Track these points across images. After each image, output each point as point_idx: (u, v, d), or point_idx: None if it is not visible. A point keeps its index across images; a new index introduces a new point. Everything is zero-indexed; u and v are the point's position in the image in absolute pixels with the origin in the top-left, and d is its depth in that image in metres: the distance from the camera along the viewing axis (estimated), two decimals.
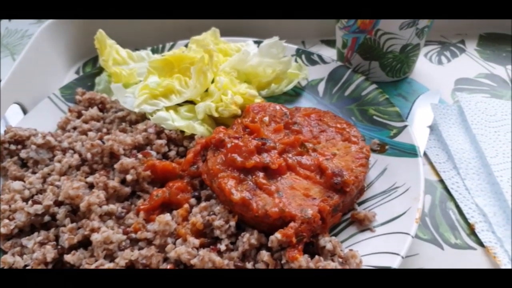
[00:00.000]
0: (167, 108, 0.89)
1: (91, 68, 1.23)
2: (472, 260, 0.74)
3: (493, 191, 0.83)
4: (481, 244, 0.76)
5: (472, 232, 0.78)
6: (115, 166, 0.78)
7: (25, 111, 0.98)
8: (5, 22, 1.46)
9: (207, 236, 0.71)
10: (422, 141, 0.93)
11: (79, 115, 0.95)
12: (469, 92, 1.09)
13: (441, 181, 0.88)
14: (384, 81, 1.12)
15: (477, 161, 0.89)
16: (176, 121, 0.86)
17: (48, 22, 1.16)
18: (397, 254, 0.66)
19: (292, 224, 0.67)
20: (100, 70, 1.07)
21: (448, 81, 1.14)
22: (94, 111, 0.92)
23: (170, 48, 1.12)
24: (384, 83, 1.11)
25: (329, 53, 1.09)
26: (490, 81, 1.13)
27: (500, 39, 1.29)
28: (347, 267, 0.67)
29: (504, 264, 0.72)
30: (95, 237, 0.68)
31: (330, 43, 1.30)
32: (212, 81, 0.93)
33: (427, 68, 1.19)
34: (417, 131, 0.95)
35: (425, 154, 0.93)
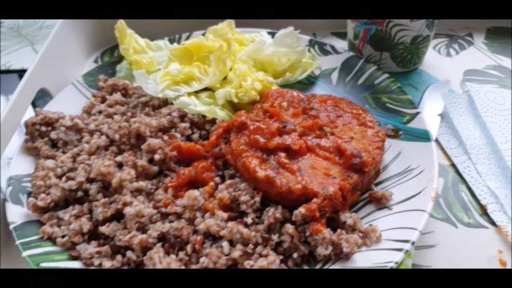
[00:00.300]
0: (188, 94, 0.93)
1: (109, 57, 1.26)
2: (484, 237, 0.78)
3: (504, 175, 0.86)
4: (493, 223, 0.80)
5: (484, 212, 0.82)
6: (142, 146, 0.82)
7: (50, 97, 1.01)
8: None
9: (233, 210, 0.74)
10: (433, 128, 0.96)
11: (103, 100, 0.98)
12: (478, 82, 1.12)
13: (453, 165, 0.91)
14: (394, 71, 1.15)
15: (487, 147, 0.92)
16: (197, 106, 0.90)
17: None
18: (415, 229, 0.70)
19: (315, 199, 0.70)
20: (120, 59, 1.11)
21: (456, 72, 1.18)
22: (118, 96, 0.96)
23: (187, 38, 1.15)
24: (395, 74, 1.14)
25: (340, 45, 1.12)
26: (498, 72, 1.17)
27: (507, 32, 1.32)
28: (367, 241, 0.71)
29: None
30: (128, 211, 0.72)
31: (341, 35, 1.33)
32: (230, 69, 0.96)
33: (436, 59, 1.23)
34: (428, 119, 0.99)
35: (436, 140, 0.96)
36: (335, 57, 1.10)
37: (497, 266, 0.73)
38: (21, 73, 1.26)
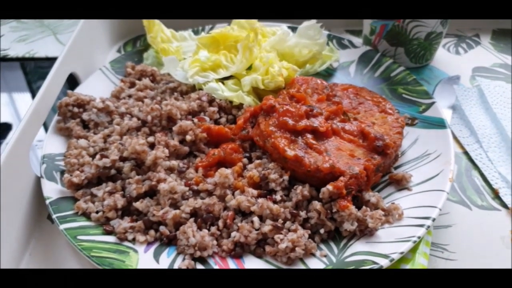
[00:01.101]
0: (216, 81, 0.97)
1: (131, 47, 1.30)
2: (497, 219, 0.82)
3: None
4: (505, 206, 0.84)
5: (496, 196, 0.86)
6: (174, 128, 0.86)
7: (78, 82, 1.05)
8: None
9: (262, 188, 0.78)
10: (447, 119, 1.01)
11: (132, 85, 1.02)
12: (486, 78, 1.17)
13: (466, 153, 0.96)
14: (407, 67, 1.19)
15: (498, 136, 0.97)
16: (225, 92, 0.94)
17: None
18: (435, 207, 0.74)
19: (342, 178, 0.74)
20: (145, 48, 1.15)
21: (466, 68, 1.22)
22: (147, 81, 0.99)
23: (210, 30, 1.19)
24: (408, 69, 1.19)
25: (355, 41, 1.17)
26: (505, 70, 1.22)
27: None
28: (390, 218, 0.75)
29: None
30: (163, 187, 0.75)
31: (355, 32, 1.38)
32: (255, 58, 1.00)
33: (446, 57, 1.28)
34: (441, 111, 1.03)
35: (450, 130, 1.01)
36: (352, 51, 1.14)
37: (509, 245, 0.78)
38: (45, 60, 1.29)
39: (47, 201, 0.76)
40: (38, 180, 0.82)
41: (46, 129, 0.93)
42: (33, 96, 1.16)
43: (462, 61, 1.27)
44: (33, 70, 1.29)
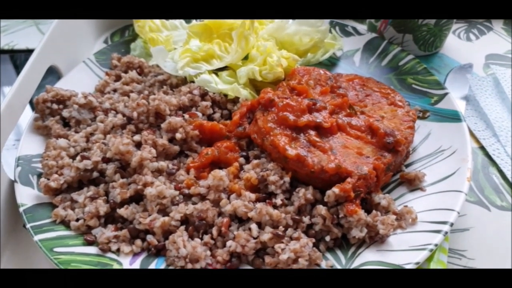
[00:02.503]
0: (209, 72, 0.89)
1: (119, 37, 1.21)
2: None
3: None
4: None
5: None
6: (162, 125, 0.78)
7: (60, 76, 0.97)
8: None
9: (260, 192, 0.71)
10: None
11: (117, 79, 0.94)
12: (501, 66, 1.09)
13: (482, 148, 0.88)
14: (416, 55, 1.11)
15: None
16: (219, 84, 0.86)
17: None
18: (452, 210, 0.67)
19: (349, 179, 0.67)
20: (133, 38, 1.06)
21: (478, 56, 1.14)
22: (133, 74, 0.91)
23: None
24: (417, 57, 1.11)
25: (359, 28, 1.09)
26: None
27: None
28: (403, 223, 0.68)
29: None
30: (149, 191, 0.68)
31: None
32: (252, 47, 0.92)
33: (456, 44, 1.19)
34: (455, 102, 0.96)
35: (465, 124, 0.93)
36: (357, 38, 1.06)
37: None
38: (26, 53, 1.20)
39: (21, 209, 0.68)
40: (11, 185, 0.74)
41: None
42: None
43: (474, 48, 1.19)
44: (23, 63, 1.19)
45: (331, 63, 1.03)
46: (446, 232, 0.64)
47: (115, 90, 0.90)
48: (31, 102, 0.85)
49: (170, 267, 0.64)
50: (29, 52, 1.19)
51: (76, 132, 0.82)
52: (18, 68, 1.21)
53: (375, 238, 0.66)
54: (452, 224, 0.65)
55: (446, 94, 0.88)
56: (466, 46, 1.19)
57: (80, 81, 0.94)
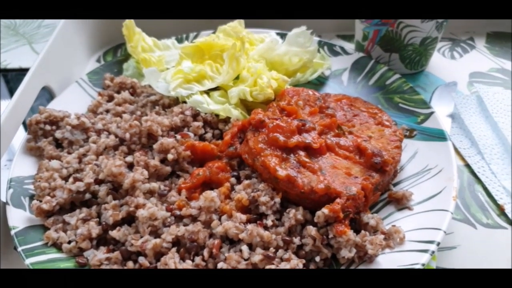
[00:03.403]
0: (200, 93, 0.90)
1: (111, 57, 1.23)
2: (504, 238, 0.77)
3: None
4: (511, 223, 0.79)
5: (502, 212, 0.81)
6: (154, 146, 0.79)
7: (53, 96, 0.97)
8: None
9: (251, 212, 0.72)
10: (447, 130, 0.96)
11: (110, 99, 0.95)
12: (484, 84, 1.13)
13: (467, 165, 0.91)
14: (402, 73, 1.14)
15: (500, 147, 0.92)
16: (211, 105, 0.87)
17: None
18: (439, 229, 0.68)
19: (338, 200, 0.68)
20: (125, 58, 1.08)
21: (462, 74, 1.18)
22: (126, 94, 0.93)
23: (194, 38, 1.13)
24: (403, 75, 1.13)
25: (347, 47, 1.12)
26: (502, 75, 1.17)
27: (506, 37, 1.34)
28: (391, 242, 0.69)
29: None
30: (141, 213, 0.68)
31: (346, 37, 1.33)
32: (243, 68, 0.94)
33: (441, 62, 1.23)
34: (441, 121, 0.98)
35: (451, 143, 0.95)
36: (344, 58, 1.08)
37: None
38: (19, 72, 1.21)
39: (13, 232, 0.69)
40: (3, 207, 0.74)
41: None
42: None
43: (458, 66, 1.22)
44: (15, 78, 1.21)
45: (320, 82, 1.06)
46: (433, 252, 0.66)
47: (107, 111, 0.91)
48: (23, 123, 0.86)
49: None
50: (22, 71, 1.20)
51: (69, 153, 0.83)
52: (9, 83, 1.22)
53: (364, 258, 0.68)
54: (439, 244, 0.67)
55: (432, 113, 0.90)
56: (450, 64, 1.23)
57: (73, 101, 0.95)
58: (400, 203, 0.76)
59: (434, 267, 0.69)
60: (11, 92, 1.19)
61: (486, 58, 1.25)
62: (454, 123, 1.01)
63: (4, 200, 0.74)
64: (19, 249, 0.66)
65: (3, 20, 1.40)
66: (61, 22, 1.09)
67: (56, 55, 1.02)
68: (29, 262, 0.64)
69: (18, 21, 1.41)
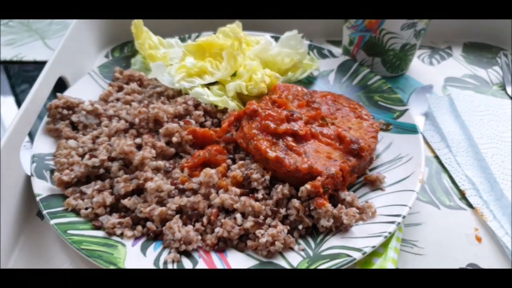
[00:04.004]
0: (201, 86, 1.01)
1: (119, 53, 1.33)
2: (463, 217, 0.88)
3: (480, 166, 0.98)
4: (470, 206, 0.91)
5: (463, 196, 0.93)
6: (160, 130, 0.90)
7: (67, 85, 1.08)
8: None
9: (244, 187, 0.82)
10: (419, 125, 1.07)
11: (119, 89, 1.05)
12: (457, 88, 1.25)
13: (436, 157, 1.02)
14: (384, 76, 1.26)
15: (465, 142, 1.04)
16: (210, 97, 0.99)
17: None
18: (405, 205, 0.79)
19: (319, 178, 0.79)
20: (132, 54, 1.19)
21: (438, 78, 1.30)
22: (134, 85, 1.03)
23: (196, 38, 1.24)
24: (385, 78, 1.25)
25: (334, 51, 1.23)
26: (474, 81, 1.30)
27: (481, 47, 1.47)
28: (364, 216, 0.80)
29: (490, 221, 0.86)
30: (150, 185, 0.79)
31: (335, 43, 1.45)
32: (239, 65, 1.05)
33: (420, 67, 1.35)
34: (414, 117, 1.10)
35: (421, 135, 1.07)
36: (332, 60, 1.20)
37: (474, 241, 0.84)
38: (33, 64, 1.31)
39: (38, 198, 0.79)
40: (27, 179, 0.84)
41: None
42: (17, 99, 1.19)
43: (435, 71, 1.34)
44: (17, 74, 1.31)
45: (308, 81, 1.17)
46: (399, 223, 0.77)
47: (118, 99, 1.01)
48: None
49: (166, 249, 0.75)
50: (36, 63, 1.30)
51: (84, 135, 0.93)
52: (11, 79, 1.30)
53: (340, 228, 0.78)
54: (404, 217, 0.77)
55: (406, 110, 1.02)
56: (428, 69, 1.35)
57: (86, 91, 1.05)
58: (374, 185, 0.88)
59: (401, 238, 0.80)
60: (12, 85, 1.28)
61: (461, 65, 1.38)
62: (427, 120, 1.13)
63: (29, 173, 0.84)
64: (44, 212, 0.76)
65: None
66: (74, 21, 1.20)
67: (70, 49, 1.13)
68: (54, 222, 0.74)
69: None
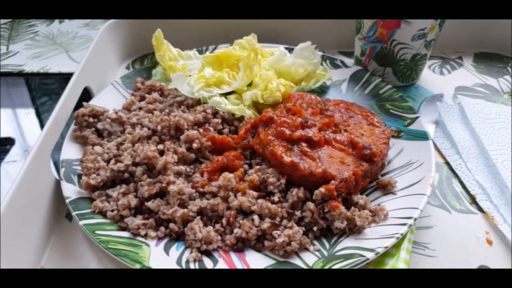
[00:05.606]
0: (219, 95, 1.06)
1: (139, 65, 1.40)
2: (474, 221, 0.91)
3: (490, 171, 1.00)
4: (481, 210, 0.93)
5: (473, 201, 0.95)
6: (181, 137, 0.94)
7: (92, 95, 1.14)
8: (56, 24, 1.64)
9: (261, 191, 0.86)
10: (429, 132, 1.10)
11: (141, 99, 1.11)
12: (467, 96, 1.28)
13: (447, 163, 1.05)
14: (395, 85, 1.29)
15: (476, 148, 1.07)
16: (228, 105, 1.03)
17: (105, 25, 1.34)
18: (416, 208, 0.82)
19: (333, 182, 0.83)
20: (153, 65, 1.25)
21: (449, 88, 1.33)
22: (156, 95, 1.09)
23: (213, 50, 1.30)
24: (396, 87, 1.29)
25: (347, 61, 1.28)
26: (485, 90, 1.33)
27: (492, 57, 1.49)
28: (376, 218, 0.83)
29: (501, 224, 0.88)
30: (172, 188, 0.83)
31: (347, 54, 1.49)
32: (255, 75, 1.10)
33: (431, 77, 1.39)
34: (425, 125, 1.13)
35: (432, 141, 1.10)
36: (344, 70, 1.25)
37: (485, 244, 0.86)
38: (58, 76, 1.38)
39: (67, 200, 0.84)
40: (56, 183, 0.90)
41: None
42: (37, 111, 1.25)
43: (445, 81, 1.37)
44: (37, 87, 1.37)
45: (321, 90, 1.22)
46: (411, 225, 0.79)
47: (140, 108, 1.07)
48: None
49: (188, 249, 0.79)
50: (61, 75, 1.37)
51: (108, 141, 0.98)
52: (32, 92, 1.36)
53: (353, 229, 0.82)
54: (415, 219, 0.80)
55: (417, 117, 1.05)
56: (439, 79, 1.38)
57: (109, 100, 1.11)
58: (386, 189, 0.91)
59: (412, 240, 0.83)
60: (33, 98, 1.34)
61: (472, 75, 1.40)
62: (438, 128, 1.15)
63: (57, 177, 0.89)
64: (73, 213, 0.81)
65: (42, 31, 1.59)
66: (97, 35, 1.27)
67: (94, 62, 1.19)
68: (82, 223, 0.79)
69: (55, 32, 1.59)
